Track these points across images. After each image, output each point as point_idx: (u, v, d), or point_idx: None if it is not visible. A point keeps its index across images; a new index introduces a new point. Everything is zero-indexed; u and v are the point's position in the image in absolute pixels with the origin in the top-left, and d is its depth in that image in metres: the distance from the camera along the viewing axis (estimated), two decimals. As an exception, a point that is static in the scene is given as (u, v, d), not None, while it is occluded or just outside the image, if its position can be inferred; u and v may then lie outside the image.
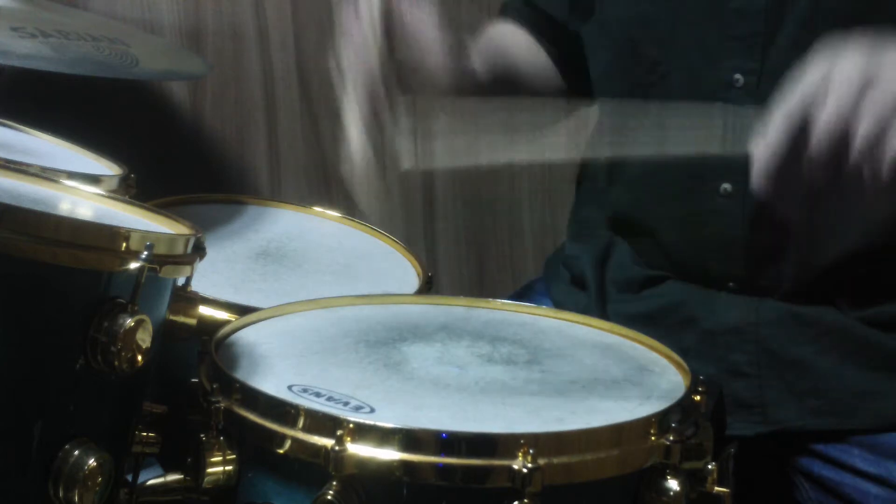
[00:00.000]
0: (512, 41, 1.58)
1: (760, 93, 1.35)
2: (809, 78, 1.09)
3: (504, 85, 1.52)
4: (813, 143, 1.06)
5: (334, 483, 0.97)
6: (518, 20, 1.59)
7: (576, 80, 1.58)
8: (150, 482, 1.13)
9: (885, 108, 1.05)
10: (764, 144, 1.08)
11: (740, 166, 1.36)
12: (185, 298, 1.13)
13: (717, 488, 1.10)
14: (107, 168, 1.47)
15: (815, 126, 1.06)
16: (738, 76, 1.36)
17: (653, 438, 1.04)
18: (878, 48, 1.09)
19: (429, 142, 1.11)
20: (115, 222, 1.09)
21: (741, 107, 1.35)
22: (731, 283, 1.40)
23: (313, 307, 1.29)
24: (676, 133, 1.41)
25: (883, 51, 1.09)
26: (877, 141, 1.05)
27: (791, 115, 1.08)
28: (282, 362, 1.14)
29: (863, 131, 1.05)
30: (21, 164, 1.26)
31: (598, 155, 1.55)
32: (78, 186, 1.25)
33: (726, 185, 1.38)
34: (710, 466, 1.09)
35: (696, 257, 1.41)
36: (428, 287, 1.47)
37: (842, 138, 1.06)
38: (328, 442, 0.98)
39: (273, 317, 1.26)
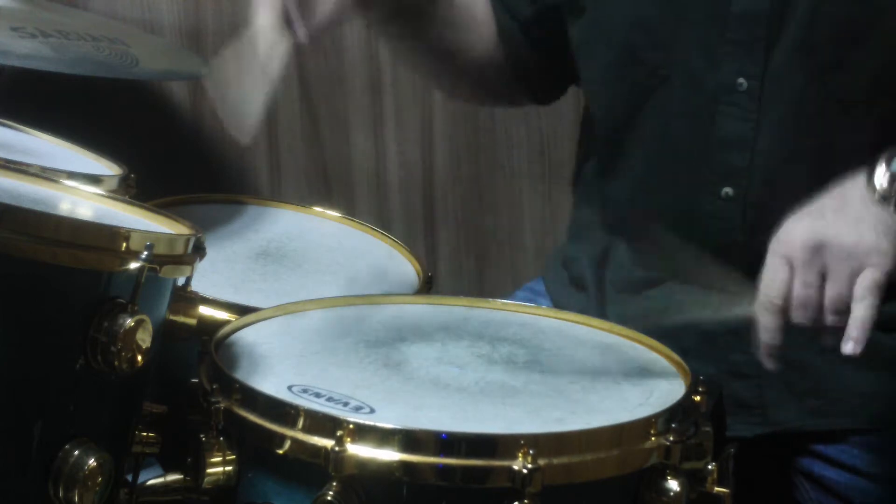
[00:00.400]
0: None
1: (763, 96, 1.35)
2: (772, 267, 1.22)
3: (424, 19, 1.47)
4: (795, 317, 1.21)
5: (334, 483, 0.97)
6: None
7: (545, 60, 1.55)
8: (150, 482, 1.13)
9: (841, 265, 1.19)
10: (762, 332, 1.22)
11: (741, 170, 1.36)
12: (185, 298, 1.13)
13: (717, 488, 1.10)
14: (107, 168, 1.47)
15: (793, 306, 1.21)
16: (741, 80, 1.36)
17: (653, 438, 1.04)
18: (818, 214, 1.22)
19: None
20: (115, 222, 1.09)
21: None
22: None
23: (313, 307, 1.29)
24: (674, 137, 1.41)
25: (823, 217, 1.21)
26: (842, 300, 1.20)
27: (773, 304, 1.21)
28: (282, 362, 1.14)
29: (829, 293, 1.20)
30: (21, 164, 1.26)
31: (594, 156, 1.54)
32: (78, 186, 1.25)
33: (727, 189, 1.38)
34: (710, 466, 1.09)
35: (694, 261, 1.41)
36: (428, 287, 1.47)
37: (816, 307, 1.20)
38: (328, 442, 0.98)
39: (273, 317, 1.26)
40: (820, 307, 1.20)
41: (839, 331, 1.19)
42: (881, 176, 1.21)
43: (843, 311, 1.19)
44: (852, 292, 1.18)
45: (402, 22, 1.46)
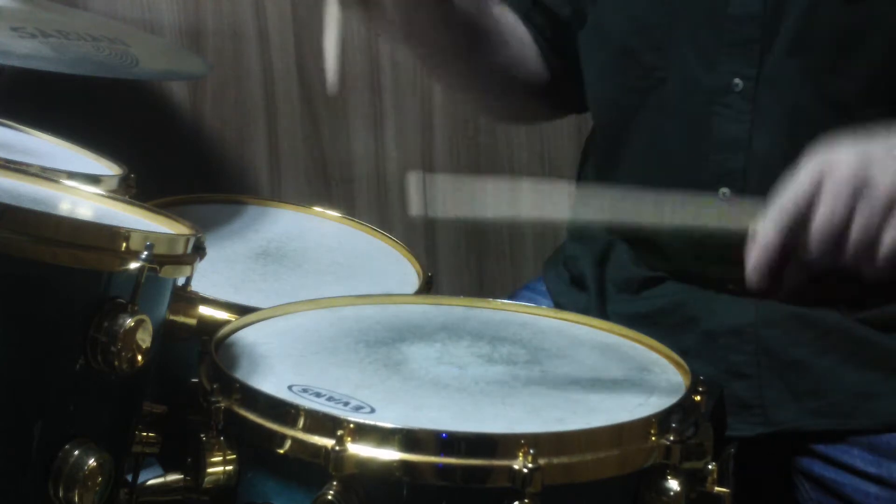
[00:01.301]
0: (499, 9, 1.55)
1: (758, 98, 1.35)
2: (801, 181, 1.11)
3: (477, 36, 1.48)
4: (807, 246, 1.10)
5: (334, 483, 0.97)
6: (510, 4, 1.58)
7: (563, 77, 1.57)
8: (150, 482, 1.13)
9: (874, 215, 1.09)
10: (756, 246, 1.11)
11: (737, 171, 1.37)
12: (185, 298, 1.13)
13: (717, 488, 1.10)
14: (107, 168, 1.47)
15: (809, 231, 1.10)
16: (737, 81, 1.36)
17: (653, 438, 1.04)
18: (867, 151, 1.11)
19: (432, 190, 1.10)
20: (115, 222, 1.09)
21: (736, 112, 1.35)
22: (730, 286, 1.40)
23: (313, 307, 1.29)
24: (670, 138, 1.41)
25: (872, 154, 1.11)
26: (869, 245, 1.09)
27: (784, 219, 1.11)
28: (282, 362, 1.14)
29: (855, 236, 1.09)
30: (21, 164, 1.26)
31: (594, 157, 1.55)
32: (78, 186, 1.25)
33: (724, 190, 1.38)
34: (710, 466, 1.09)
35: (694, 261, 1.41)
36: (428, 287, 1.47)
37: (835, 243, 1.10)
38: (328, 442, 0.98)
39: (273, 317, 1.26)
40: (839, 243, 1.10)
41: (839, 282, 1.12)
42: None
43: (868, 253, 1.09)
44: (879, 242, 1.09)
45: (454, 40, 1.46)
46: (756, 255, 1.12)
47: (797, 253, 1.11)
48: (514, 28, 1.55)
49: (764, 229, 1.11)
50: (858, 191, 1.10)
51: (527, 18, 1.56)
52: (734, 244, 1.35)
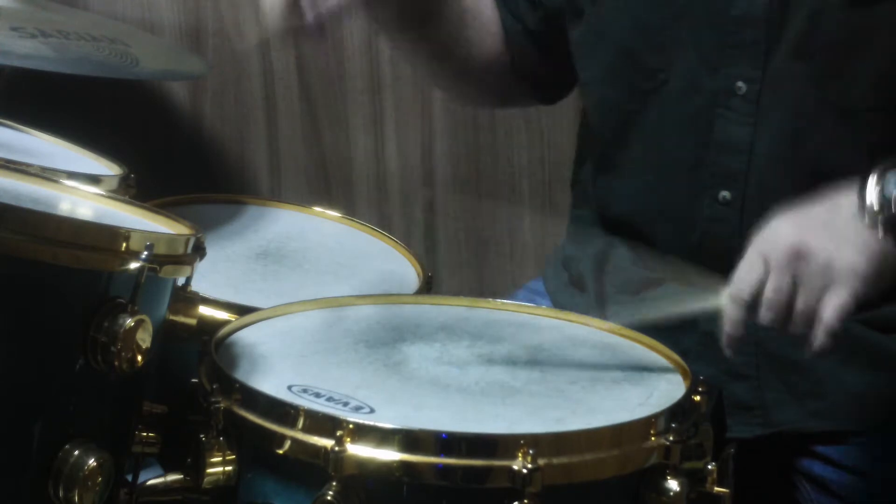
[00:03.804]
0: None
1: (761, 100, 1.35)
2: (750, 259, 1.21)
3: (431, 9, 1.48)
4: (762, 317, 1.20)
5: (334, 483, 0.97)
6: None
7: (547, 64, 1.56)
8: (150, 482, 1.13)
9: (813, 285, 1.19)
10: (725, 324, 1.22)
11: (739, 174, 1.36)
12: (185, 298, 1.13)
13: (717, 488, 1.10)
14: (107, 168, 1.47)
15: (762, 305, 1.20)
16: (740, 84, 1.36)
17: (653, 439, 1.04)
18: (806, 221, 1.22)
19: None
20: (115, 222, 1.09)
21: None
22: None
23: (313, 307, 1.29)
24: (672, 140, 1.41)
25: (810, 224, 1.21)
26: (811, 314, 1.19)
27: (739, 297, 1.21)
28: (282, 362, 1.14)
29: (798, 307, 1.19)
30: (21, 164, 1.26)
31: (593, 157, 1.54)
32: (78, 186, 1.25)
33: (725, 193, 1.38)
34: (710, 466, 1.09)
35: (694, 263, 1.41)
36: (428, 287, 1.47)
37: (784, 313, 1.20)
38: (328, 442, 0.98)
39: (273, 317, 1.26)
40: (787, 313, 1.20)
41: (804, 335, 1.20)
42: (871, 195, 1.20)
43: (809, 323, 1.19)
44: (819, 307, 1.18)
45: (407, 17, 1.46)
46: (728, 330, 1.22)
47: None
48: (477, 9, 1.54)
49: (727, 308, 1.21)
50: (798, 262, 1.19)
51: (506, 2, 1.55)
52: (733, 246, 1.35)
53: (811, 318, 1.19)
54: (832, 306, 1.18)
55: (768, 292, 1.19)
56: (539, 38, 1.54)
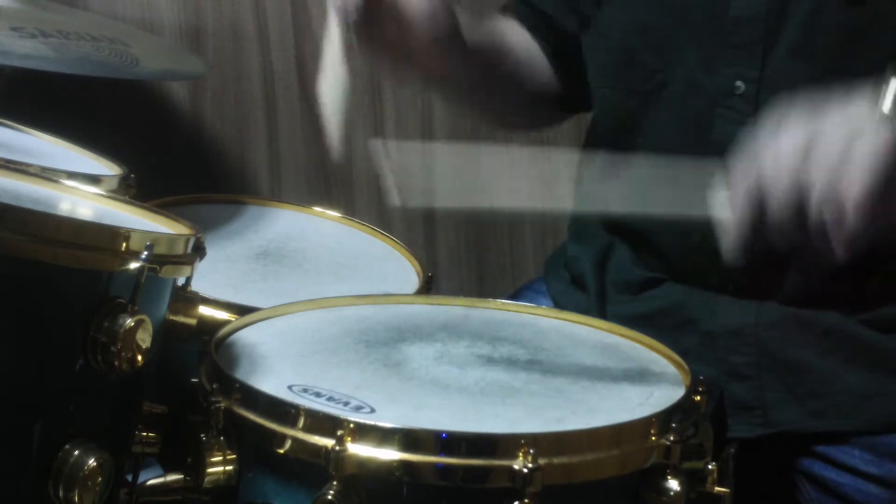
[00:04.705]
0: (505, 24, 1.56)
1: (760, 100, 1.35)
2: (760, 150, 1.12)
3: (490, 58, 1.50)
4: (774, 212, 1.10)
5: (334, 483, 0.97)
6: (516, 17, 1.59)
7: (571, 83, 1.57)
8: (150, 482, 1.13)
9: (830, 166, 1.08)
10: (731, 222, 1.12)
11: None
12: (185, 298, 1.13)
13: (717, 488, 1.10)
14: (107, 168, 1.47)
15: (774, 196, 1.10)
16: (738, 83, 1.36)
17: (653, 438, 1.04)
18: (816, 111, 1.12)
19: (430, 181, 1.11)
20: (115, 222, 1.09)
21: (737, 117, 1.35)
22: (730, 287, 1.40)
23: (313, 307, 1.29)
24: (672, 140, 1.41)
25: (821, 112, 1.12)
26: (832, 196, 1.08)
27: (750, 190, 1.11)
28: (282, 362, 1.14)
29: (817, 191, 1.08)
30: (21, 164, 1.26)
31: (594, 157, 1.54)
32: (78, 186, 1.25)
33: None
34: (710, 466, 1.09)
35: (694, 263, 1.41)
36: (428, 287, 1.47)
37: (799, 201, 1.09)
38: (328, 442, 0.98)
39: (273, 317, 1.26)
40: (803, 191, 1.09)
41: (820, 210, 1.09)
42: (888, 99, 1.13)
43: (832, 204, 1.08)
44: (842, 184, 1.08)
45: (468, 63, 1.46)
46: (732, 231, 1.11)
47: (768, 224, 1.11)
48: (521, 40, 1.56)
49: (734, 205, 1.11)
50: (810, 151, 1.09)
51: (534, 31, 1.57)
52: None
53: (833, 193, 1.07)
54: (857, 181, 1.07)
55: (781, 183, 1.09)
56: (568, 60, 1.56)
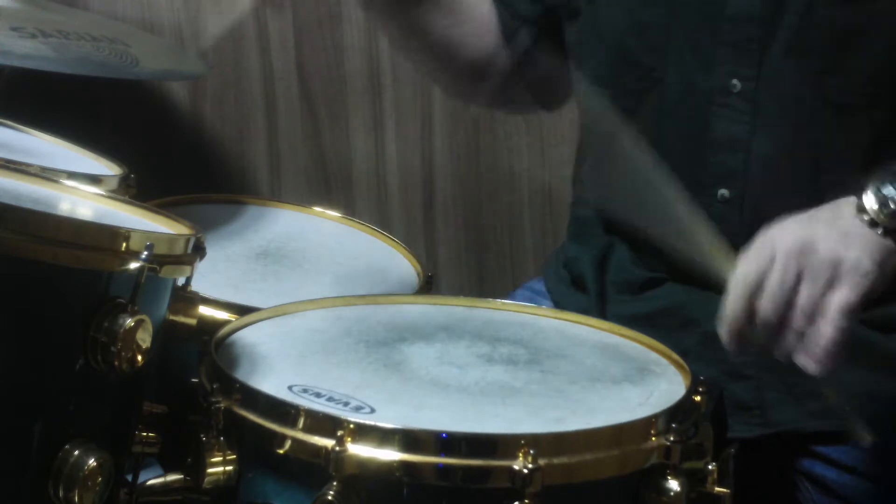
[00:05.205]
0: None
1: (757, 98, 1.35)
2: (755, 253, 1.20)
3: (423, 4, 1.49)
4: (761, 311, 1.18)
5: (334, 483, 0.97)
6: None
7: (525, 59, 1.56)
8: (150, 482, 1.13)
9: (818, 277, 1.16)
10: (725, 316, 1.19)
11: (737, 172, 1.36)
12: (185, 298, 1.13)
13: (717, 488, 1.10)
14: (107, 168, 1.47)
15: (764, 294, 1.17)
16: (735, 81, 1.36)
17: (653, 438, 1.04)
18: (812, 219, 1.20)
19: None
20: (115, 222, 1.09)
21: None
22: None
23: (313, 307, 1.29)
24: (668, 139, 1.41)
25: (816, 222, 1.20)
26: (813, 307, 1.16)
27: (743, 289, 1.18)
28: (282, 362, 1.14)
29: (802, 300, 1.17)
30: (21, 164, 1.26)
31: (589, 158, 1.54)
32: (78, 186, 1.25)
33: (724, 191, 1.38)
34: (710, 466, 1.09)
35: (694, 262, 1.41)
36: (428, 287, 1.47)
37: (785, 305, 1.17)
38: (328, 442, 0.98)
39: (273, 317, 1.26)
40: (788, 306, 1.17)
41: (798, 340, 1.17)
42: (870, 199, 1.20)
43: (810, 315, 1.16)
44: (823, 302, 1.16)
45: (403, 11, 1.46)
46: (725, 324, 1.19)
47: (755, 319, 1.18)
48: (475, 9, 1.55)
49: (728, 301, 1.19)
50: (804, 256, 1.17)
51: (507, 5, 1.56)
52: (733, 245, 1.35)
53: (813, 312, 1.16)
54: (837, 303, 1.16)
55: (771, 285, 1.17)
56: (536, 34, 1.54)
